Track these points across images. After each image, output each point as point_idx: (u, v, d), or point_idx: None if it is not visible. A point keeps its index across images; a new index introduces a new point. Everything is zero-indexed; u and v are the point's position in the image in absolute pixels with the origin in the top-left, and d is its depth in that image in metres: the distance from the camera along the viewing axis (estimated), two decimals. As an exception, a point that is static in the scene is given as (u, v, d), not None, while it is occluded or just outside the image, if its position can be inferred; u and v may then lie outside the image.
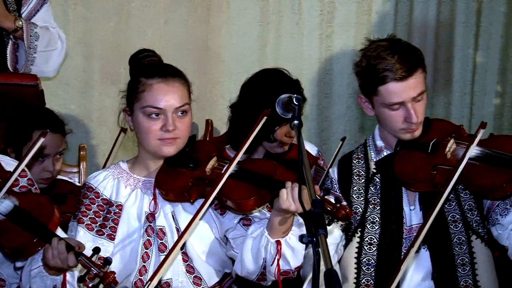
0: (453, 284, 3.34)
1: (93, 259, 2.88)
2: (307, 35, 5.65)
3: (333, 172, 3.57)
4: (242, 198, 3.09)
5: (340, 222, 3.27)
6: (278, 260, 3.06)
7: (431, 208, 3.16)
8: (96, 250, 2.92)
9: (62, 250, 2.87)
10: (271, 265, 3.07)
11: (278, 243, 3.05)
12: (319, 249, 2.15)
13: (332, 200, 2.91)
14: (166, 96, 3.19)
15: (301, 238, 2.22)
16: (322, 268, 2.10)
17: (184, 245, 3.21)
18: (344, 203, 3.09)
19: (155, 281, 2.93)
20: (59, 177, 4.18)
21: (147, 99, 3.19)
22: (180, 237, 3.01)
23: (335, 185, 3.52)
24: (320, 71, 5.68)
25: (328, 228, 2.97)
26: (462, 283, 3.33)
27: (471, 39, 5.87)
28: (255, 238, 3.12)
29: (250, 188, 3.11)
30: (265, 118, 3.03)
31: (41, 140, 3.01)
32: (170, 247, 3.09)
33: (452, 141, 3.39)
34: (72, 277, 3.04)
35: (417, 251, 3.35)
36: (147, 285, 2.89)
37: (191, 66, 5.24)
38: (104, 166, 4.62)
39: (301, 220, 3.14)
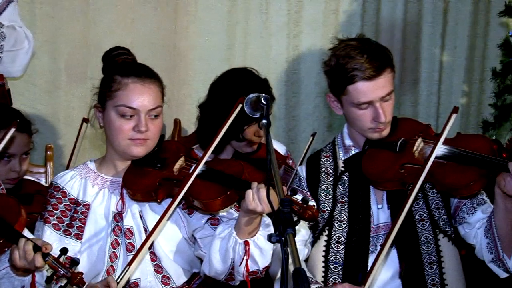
0: (420, 282, 3.35)
1: (61, 259, 2.87)
2: (274, 34, 5.65)
3: (302, 170, 3.58)
4: (209, 198, 3.09)
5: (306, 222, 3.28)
6: (246, 260, 3.06)
7: (398, 207, 3.18)
8: (64, 250, 2.91)
9: (29, 251, 2.86)
10: (240, 265, 3.07)
11: (246, 243, 3.05)
12: (288, 248, 2.16)
13: (299, 201, 2.92)
14: (141, 96, 3.18)
15: (270, 237, 2.23)
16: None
17: (152, 244, 3.20)
18: (311, 203, 3.10)
19: (123, 281, 2.93)
20: (25, 177, 4.16)
21: (121, 98, 3.18)
22: (148, 237, 3.01)
23: (303, 183, 3.53)
24: (287, 70, 5.69)
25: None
26: (429, 282, 3.35)
27: (438, 39, 5.91)
28: (223, 238, 3.12)
29: (217, 188, 3.11)
30: (240, 106, 3.02)
31: (12, 130, 2.99)
32: (138, 247, 3.08)
33: (419, 140, 3.41)
34: (41, 277, 3.03)
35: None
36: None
37: (158, 66, 5.14)
38: (70, 160, 4.59)
39: (268, 221, 3.15)
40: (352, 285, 3.16)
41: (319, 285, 3.34)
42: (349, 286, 3.11)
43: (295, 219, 2.85)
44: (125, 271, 2.96)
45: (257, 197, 2.93)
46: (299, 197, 2.98)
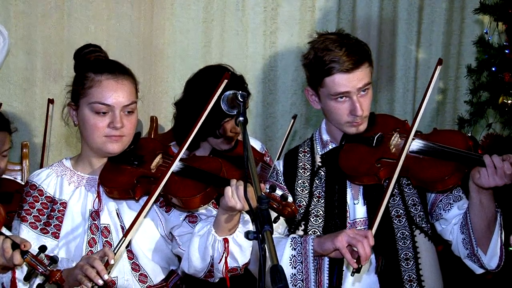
0: (396, 278, 3.36)
1: (39, 257, 2.86)
2: (251, 32, 5.65)
3: (279, 165, 3.58)
4: (188, 195, 3.09)
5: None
6: (225, 257, 3.06)
7: (375, 202, 3.20)
8: (42, 248, 2.89)
9: (7, 249, 2.84)
10: (219, 262, 3.07)
11: (226, 240, 3.05)
12: (265, 245, 2.16)
13: (278, 198, 2.92)
14: (115, 93, 3.17)
15: (247, 235, 2.23)
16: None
17: (129, 243, 3.19)
18: (290, 200, 3.10)
19: (119, 252, 2.99)
20: (4, 176, 4.12)
21: (95, 95, 3.17)
22: (125, 235, 3.00)
23: (280, 177, 3.53)
24: (264, 68, 5.69)
25: (274, 225, 3.00)
26: (406, 277, 3.36)
27: (413, 36, 5.93)
28: (202, 236, 3.12)
29: (196, 186, 3.11)
30: (225, 81, 3.01)
31: None
32: (115, 245, 3.07)
33: (396, 134, 3.43)
34: (21, 273, 3.02)
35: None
36: None
37: (135, 63, 5.22)
38: (43, 146, 4.56)
39: (247, 217, 3.15)
40: (358, 230, 3.21)
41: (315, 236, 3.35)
42: (357, 230, 3.15)
43: (274, 216, 2.87)
44: (121, 242, 2.98)
45: (236, 194, 2.93)
46: (278, 193, 2.99)
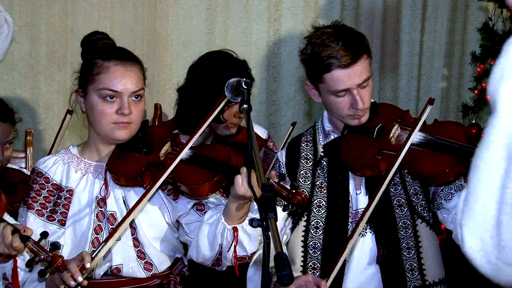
0: (398, 267, 3.36)
1: (41, 243, 2.86)
2: (255, 18, 5.65)
3: (281, 156, 3.57)
4: (197, 183, 3.09)
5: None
6: (235, 246, 3.08)
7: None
8: (44, 234, 2.90)
9: (6, 235, 2.85)
10: (228, 251, 3.09)
11: (235, 229, 3.06)
12: (269, 233, 2.16)
13: (288, 186, 2.92)
14: (123, 79, 3.17)
15: (251, 222, 2.23)
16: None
17: (135, 231, 3.20)
18: (300, 189, 3.09)
19: (98, 257, 2.95)
20: (9, 165, 4.12)
21: (103, 81, 3.17)
22: (126, 216, 3.03)
23: (282, 169, 3.53)
24: (268, 55, 5.69)
25: (282, 213, 3.01)
26: (408, 266, 3.36)
27: (418, 23, 5.92)
28: (211, 224, 3.13)
29: (205, 173, 3.11)
30: (225, 100, 3.02)
31: None
32: (119, 229, 3.09)
33: (396, 126, 3.41)
34: (23, 262, 3.03)
35: (363, 235, 3.39)
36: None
37: (139, 50, 5.21)
38: (50, 151, 4.57)
39: (256, 207, 3.15)
40: (316, 277, 3.19)
41: None
42: (312, 278, 3.13)
43: (284, 204, 2.88)
44: (101, 246, 2.96)
45: (246, 182, 2.93)
46: (287, 183, 2.99)
